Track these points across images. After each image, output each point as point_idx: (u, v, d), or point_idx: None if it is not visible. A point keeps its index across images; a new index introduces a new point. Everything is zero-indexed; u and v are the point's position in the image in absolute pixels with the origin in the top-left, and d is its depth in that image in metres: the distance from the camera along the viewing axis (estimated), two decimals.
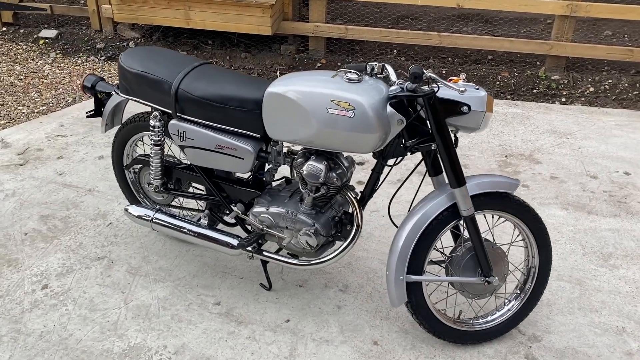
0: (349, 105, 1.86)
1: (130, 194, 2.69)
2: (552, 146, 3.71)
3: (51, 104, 4.31)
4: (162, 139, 2.30)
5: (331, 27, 4.82)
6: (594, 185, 3.26)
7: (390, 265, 1.99)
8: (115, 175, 2.68)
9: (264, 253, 2.25)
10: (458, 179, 1.91)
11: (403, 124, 1.89)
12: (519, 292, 2.17)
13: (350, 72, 1.93)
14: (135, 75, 2.21)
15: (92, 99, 2.52)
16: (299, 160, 2.09)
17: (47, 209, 2.96)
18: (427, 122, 1.92)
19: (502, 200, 2.01)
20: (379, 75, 1.99)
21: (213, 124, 2.14)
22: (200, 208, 2.68)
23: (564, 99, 4.47)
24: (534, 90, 4.57)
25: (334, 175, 2.04)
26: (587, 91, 4.51)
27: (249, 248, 2.24)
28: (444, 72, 4.74)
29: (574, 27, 4.49)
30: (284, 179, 2.35)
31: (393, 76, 1.95)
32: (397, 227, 2.10)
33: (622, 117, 4.16)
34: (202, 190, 2.54)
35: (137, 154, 2.56)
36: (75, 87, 4.56)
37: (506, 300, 2.19)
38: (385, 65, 2.00)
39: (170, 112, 2.20)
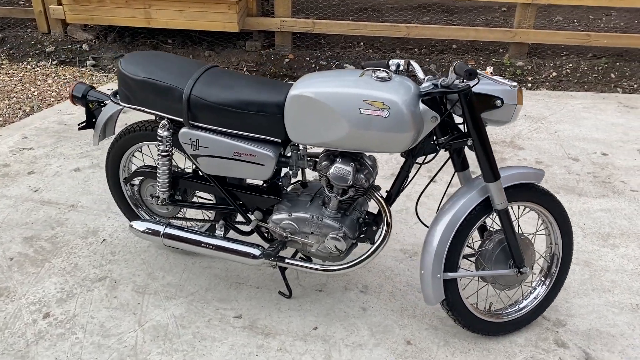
0: (383, 104, 1.81)
1: (127, 208, 2.53)
2: (530, 131, 3.81)
3: (7, 115, 4.00)
4: (171, 149, 2.16)
5: (298, 21, 4.73)
6: (577, 168, 3.38)
7: (426, 265, 1.97)
8: (110, 189, 2.51)
9: (287, 261, 2.17)
10: (494, 173, 1.90)
11: (437, 121, 1.86)
12: (544, 279, 2.21)
13: (379, 70, 1.88)
14: (139, 82, 2.07)
15: (79, 109, 2.36)
16: (323, 163, 2.02)
17: (29, 229, 2.74)
18: (452, 117, 1.90)
19: (528, 191, 2.03)
20: (405, 73, 1.95)
21: (229, 131, 2.04)
22: (205, 218, 2.56)
23: (529, 85, 4.61)
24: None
25: (362, 176, 1.99)
26: (551, 76, 4.67)
27: (273, 257, 2.16)
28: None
29: (535, 14, 4.62)
30: (299, 182, 2.28)
31: (420, 73, 1.92)
32: (426, 226, 2.08)
33: (587, 99, 4.33)
34: (209, 200, 2.42)
35: (138, 166, 2.40)
36: (30, 95, 4.25)
37: (532, 288, 2.22)
38: (411, 61, 1.96)
39: (180, 120, 2.07)
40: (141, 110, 2.15)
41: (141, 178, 2.38)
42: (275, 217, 2.14)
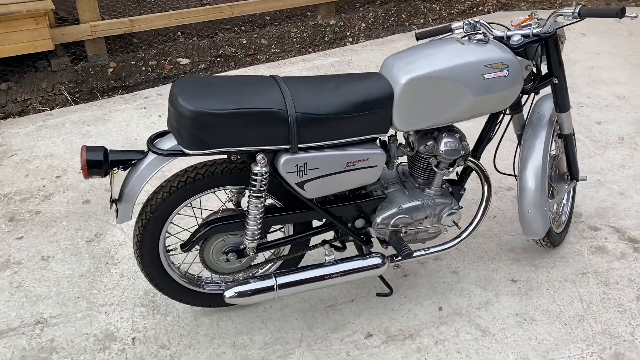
0: (502, 64, 1.85)
1: (166, 280, 1.99)
2: None
3: None
4: (266, 187, 1.78)
5: (112, 23, 4.04)
6: None
7: (533, 202, 2.14)
8: (142, 265, 1.92)
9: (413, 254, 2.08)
10: (567, 104, 2.14)
11: (532, 68, 1.98)
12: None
13: (475, 33, 1.89)
14: (227, 116, 1.63)
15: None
16: (428, 144, 1.96)
17: None
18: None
19: None
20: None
21: (337, 141, 1.79)
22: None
23: (350, 39, 4.95)
24: (326, 38, 4.90)
25: (466, 143, 2.01)
26: (362, 27, 5.09)
27: (399, 257, 2.04)
28: (244, 41, 4.59)
29: None
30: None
31: (497, 30, 1.99)
32: (509, 175, 2.23)
33: (404, 40, 4.89)
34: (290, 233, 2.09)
35: (204, 223, 1.91)
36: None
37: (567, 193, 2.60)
38: (481, 20, 2.00)
39: (281, 148, 1.72)
40: (221, 153, 1.70)
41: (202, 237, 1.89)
42: (383, 216, 2.01)
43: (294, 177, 1.79)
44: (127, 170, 1.77)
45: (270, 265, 2.14)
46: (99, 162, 1.68)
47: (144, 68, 4.24)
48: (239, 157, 1.81)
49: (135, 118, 3.59)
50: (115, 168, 1.73)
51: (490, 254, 2.48)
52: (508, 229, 2.63)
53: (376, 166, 1.89)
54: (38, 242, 2.54)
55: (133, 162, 1.76)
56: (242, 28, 4.94)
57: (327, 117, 1.73)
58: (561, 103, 2.16)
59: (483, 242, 2.55)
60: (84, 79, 4.02)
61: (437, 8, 5.52)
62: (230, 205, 2.09)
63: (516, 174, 2.24)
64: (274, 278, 1.89)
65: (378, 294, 2.25)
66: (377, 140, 1.95)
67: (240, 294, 1.86)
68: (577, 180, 2.40)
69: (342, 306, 2.22)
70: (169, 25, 4.31)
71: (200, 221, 1.98)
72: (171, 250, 1.99)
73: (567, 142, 2.29)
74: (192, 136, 1.65)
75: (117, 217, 1.80)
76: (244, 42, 4.64)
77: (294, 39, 4.82)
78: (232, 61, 4.50)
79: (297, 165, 1.77)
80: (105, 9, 4.54)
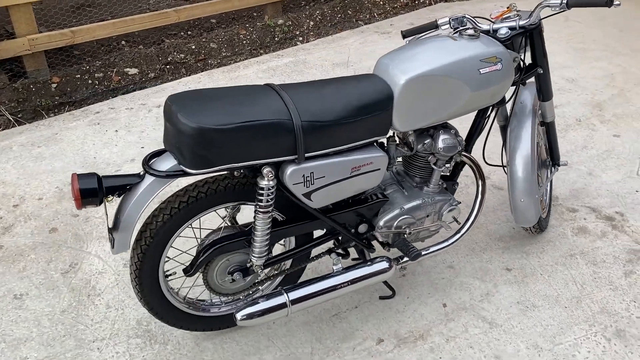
0: (496, 58, 1.86)
1: (166, 307, 1.87)
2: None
3: None
4: (273, 201, 1.69)
5: (52, 35, 3.77)
6: None
7: (525, 191, 2.18)
8: (141, 294, 1.79)
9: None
10: (551, 93, 2.18)
11: (519, 60, 2.00)
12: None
13: (466, 29, 1.89)
14: (232, 131, 1.53)
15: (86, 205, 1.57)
16: (426, 142, 1.94)
17: None
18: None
19: None
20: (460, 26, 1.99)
21: (341, 147, 1.73)
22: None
23: (300, 38, 4.89)
24: (276, 38, 4.80)
25: (461, 139, 2.01)
26: (310, 26, 5.03)
27: (405, 259, 2.01)
28: (193, 47, 4.42)
29: None
30: None
31: (483, 24, 1.99)
32: (502, 166, 2.25)
33: (354, 36, 4.88)
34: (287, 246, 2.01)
35: (205, 245, 1.80)
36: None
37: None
38: (466, 15, 2.00)
39: (288, 159, 1.65)
40: (226, 170, 1.60)
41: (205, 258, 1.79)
42: (385, 218, 1.98)
43: (301, 188, 1.72)
44: (122, 196, 1.64)
45: (269, 282, 2.06)
46: (93, 191, 1.54)
47: (90, 81, 4.00)
48: (242, 172, 1.72)
49: (89, 135, 3.38)
50: (110, 195, 1.59)
51: (481, 245, 2.50)
52: (492, 218, 2.66)
53: (379, 169, 1.85)
54: (6, 279, 2.32)
55: (128, 187, 1.63)
56: (189, 33, 4.77)
57: (332, 123, 1.67)
58: (545, 92, 2.21)
59: (472, 234, 2.57)
60: (26, 97, 3.74)
61: (381, 2, 5.54)
62: (225, 222, 1.99)
63: (504, 164, 2.27)
64: (285, 294, 1.81)
65: (381, 297, 2.22)
66: (375, 143, 1.92)
67: (252, 315, 1.77)
68: (559, 165, 2.46)
69: (347, 314, 2.17)
70: (113, 34, 4.09)
71: (199, 242, 1.88)
72: (170, 275, 1.87)
73: (550, 129, 2.34)
74: (196, 155, 1.54)
75: (113, 247, 1.67)
76: (193, 47, 4.47)
77: (244, 41, 4.70)
78: (183, 68, 4.33)
79: (303, 175, 1.70)
80: (38, 21, 4.25)
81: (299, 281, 2.00)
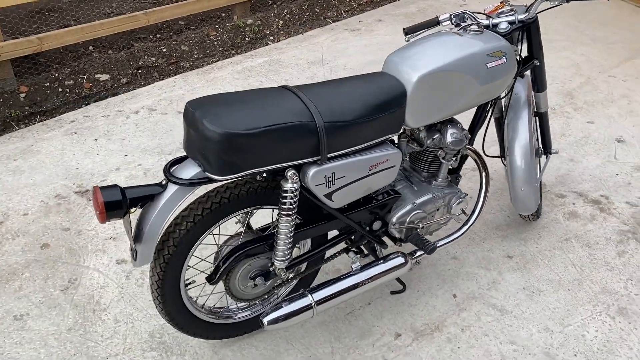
0: (500, 52, 1.90)
1: (187, 317, 1.83)
2: (325, 73, 4.15)
3: None
4: (297, 204, 1.68)
5: (19, 42, 3.60)
6: None
7: (525, 180, 2.24)
8: (162, 305, 1.75)
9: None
10: (545, 84, 2.25)
11: (518, 53, 2.05)
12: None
13: (470, 24, 1.92)
14: (258, 135, 1.51)
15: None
16: (435, 137, 1.97)
17: None
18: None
19: None
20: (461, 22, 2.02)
21: (360, 146, 1.74)
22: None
23: (271, 38, 4.85)
24: (247, 39, 4.75)
25: (466, 132, 2.05)
26: (280, 25, 5.00)
27: (420, 253, 2.04)
28: (164, 50, 4.32)
29: None
30: None
31: (482, 19, 2.04)
32: (500, 157, 2.30)
33: (325, 34, 4.88)
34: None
35: (227, 252, 1.77)
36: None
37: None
38: (467, 11, 2.03)
39: (311, 160, 1.64)
40: (252, 175, 1.58)
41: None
42: (398, 214, 2.01)
43: (323, 189, 1.72)
44: (144, 207, 1.60)
45: (286, 285, 2.05)
46: (117, 203, 1.49)
47: (60, 89, 3.85)
48: (263, 175, 1.70)
49: (68, 146, 3.25)
50: (134, 207, 1.54)
51: (480, 235, 2.57)
52: (487, 208, 2.73)
53: (394, 166, 1.87)
54: (3, 300, 2.22)
55: (152, 197, 1.58)
56: (158, 36, 4.65)
57: (352, 122, 1.67)
58: (540, 83, 2.28)
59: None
60: None
61: (347, 0, 5.57)
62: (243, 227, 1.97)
63: (502, 155, 2.33)
64: (309, 295, 1.81)
65: (392, 292, 2.24)
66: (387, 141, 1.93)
67: (278, 319, 1.75)
68: (551, 154, 2.55)
69: (361, 311, 2.18)
70: (82, 39, 3.94)
71: (218, 248, 1.85)
72: (190, 283, 1.83)
73: (543, 118, 2.42)
74: (223, 160, 1.52)
75: (135, 259, 1.62)
76: (164, 50, 4.37)
77: (215, 42, 4.63)
78: (155, 72, 4.23)
79: (325, 176, 1.70)
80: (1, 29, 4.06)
81: (320, 282, 2.00)
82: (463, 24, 1.99)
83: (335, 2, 5.48)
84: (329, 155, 1.68)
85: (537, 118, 2.43)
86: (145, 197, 1.56)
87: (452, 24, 2.04)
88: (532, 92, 2.32)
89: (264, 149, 1.56)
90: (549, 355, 2.00)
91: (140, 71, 4.19)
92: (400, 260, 1.99)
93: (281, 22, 5.06)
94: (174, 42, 4.48)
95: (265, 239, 1.81)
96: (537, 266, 2.39)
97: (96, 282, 2.31)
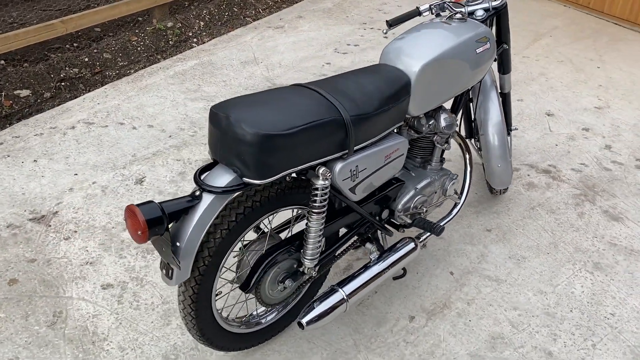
0: (485, 38, 2.01)
1: (219, 332, 1.77)
2: (263, 72, 4.12)
3: None
4: (327, 201, 1.68)
5: None
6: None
7: (500, 157, 2.39)
8: (197, 322, 1.67)
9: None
10: (510, 66, 2.41)
11: (494, 38, 2.18)
12: None
13: (455, 13, 2.01)
14: (295, 135, 1.49)
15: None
16: (430, 123, 2.05)
17: None
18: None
19: None
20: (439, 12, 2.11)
21: (377, 138, 1.77)
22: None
23: (195, 40, 4.70)
24: (170, 42, 4.57)
25: (455, 116, 2.15)
26: (201, 26, 4.86)
27: (427, 235, 2.12)
28: (85, 59, 4.03)
29: None
30: None
31: (456, 7, 2.14)
32: (469, 138, 2.43)
33: (253, 31, 4.82)
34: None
35: (261, 256, 1.72)
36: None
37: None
38: (446, 1, 2.12)
39: (339, 155, 1.65)
40: (287, 175, 1.55)
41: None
42: (403, 201, 2.07)
43: (348, 183, 1.73)
44: (178, 221, 1.51)
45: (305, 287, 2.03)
46: (159, 219, 1.40)
47: None
48: (293, 176, 1.67)
49: (4, 170, 2.95)
50: (174, 221, 1.45)
51: (458, 214, 2.70)
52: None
53: (403, 154, 1.92)
54: None
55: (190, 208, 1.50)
56: (75, 45, 4.33)
57: (372, 114, 1.70)
58: (506, 66, 2.44)
59: (443, 205, 2.76)
60: None
61: None
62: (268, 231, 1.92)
63: (470, 136, 2.47)
64: (340, 290, 1.81)
65: (394, 278, 2.29)
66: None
67: (315, 319, 1.74)
68: (511, 131, 2.74)
69: (371, 300, 2.22)
70: None
71: (241, 254, 1.79)
72: (217, 295, 1.76)
73: (506, 99, 2.59)
74: (261, 163, 1.48)
75: (170, 277, 1.53)
76: (86, 59, 4.08)
77: (138, 48, 4.40)
78: (80, 83, 3.94)
79: (350, 170, 1.71)
80: None
81: (343, 277, 2.00)
82: (442, 13, 2.09)
83: (252, 1, 5.43)
84: (356, 147, 1.69)
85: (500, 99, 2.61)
86: (184, 210, 1.48)
87: (432, 14, 2.13)
88: (496, 74, 2.49)
89: (299, 148, 1.53)
90: (549, 315, 2.17)
91: (63, 84, 3.88)
92: (412, 245, 2.05)
93: (202, 23, 4.92)
94: (94, 51, 4.20)
95: (291, 240, 1.78)
96: (514, 236, 2.56)
97: (86, 312, 2.13)
